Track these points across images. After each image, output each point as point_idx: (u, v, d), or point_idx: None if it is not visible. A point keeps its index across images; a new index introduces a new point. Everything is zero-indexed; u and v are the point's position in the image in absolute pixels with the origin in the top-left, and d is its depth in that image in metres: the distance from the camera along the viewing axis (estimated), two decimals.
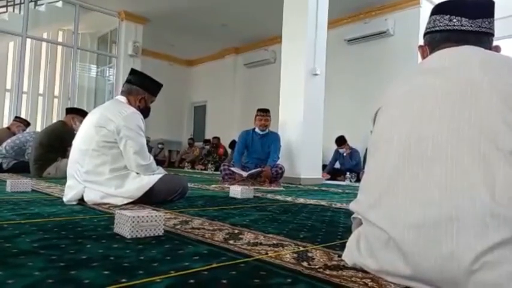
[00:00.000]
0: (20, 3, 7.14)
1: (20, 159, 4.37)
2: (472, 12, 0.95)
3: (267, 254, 1.04)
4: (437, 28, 0.99)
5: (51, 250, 0.99)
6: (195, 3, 6.85)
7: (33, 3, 7.24)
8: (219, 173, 4.52)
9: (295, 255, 1.04)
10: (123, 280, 0.78)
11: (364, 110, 5.94)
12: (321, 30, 4.86)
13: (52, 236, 1.17)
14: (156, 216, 1.24)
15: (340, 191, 3.69)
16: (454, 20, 0.96)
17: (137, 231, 1.19)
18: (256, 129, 4.44)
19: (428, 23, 1.02)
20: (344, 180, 5.33)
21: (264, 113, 4.42)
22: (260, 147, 4.42)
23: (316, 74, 4.77)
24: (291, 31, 4.91)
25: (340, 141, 6.06)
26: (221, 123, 9.47)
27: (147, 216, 1.21)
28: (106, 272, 0.83)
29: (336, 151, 6.23)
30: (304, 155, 4.65)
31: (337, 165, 6.25)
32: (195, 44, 9.10)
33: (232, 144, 7.50)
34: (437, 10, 1.00)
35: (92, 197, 1.92)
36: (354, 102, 6.63)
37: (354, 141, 6.15)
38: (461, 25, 0.95)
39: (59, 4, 7.32)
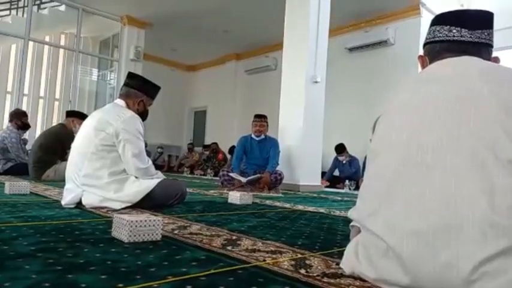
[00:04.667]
0: (24, 7, 7.20)
1: (11, 158, 4.37)
2: (472, 23, 0.95)
3: (264, 260, 1.04)
4: (437, 38, 0.99)
5: (48, 253, 0.99)
6: (197, 9, 6.90)
7: (36, 6, 7.29)
8: (218, 178, 4.51)
9: (293, 262, 1.04)
10: (120, 285, 0.77)
11: (364, 118, 5.96)
12: (322, 38, 4.88)
13: (49, 239, 1.16)
14: (154, 220, 1.23)
15: (339, 198, 3.68)
16: (454, 31, 0.96)
17: (135, 235, 1.19)
18: (252, 135, 4.45)
19: (428, 33, 1.03)
20: (343, 188, 5.31)
21: (259, 118, 4.43)
22: (259, 153, 4.42)
23: (316, 82, 4.78)
24: (292, 38, 4.93)
25: (340, 148, 6.08)
26: (221, 128, 9.48)
27: (145, 221, 1.21)
28: (103, 276, 0.83)
29: (336, 159, 6.24)
30: (303, 162, 4.65)
31: (337, 172, 6.26)
32: (196, 49, 9.15)
33: (232, 149, 7.50)
34: (437, 21, 1.01)
35: (90, 200, 1.92)
36: (354, 110, 6.65)
37: (354, 149, 6.17)
38: (461, 36, 0.95)
39: (62, 8, 7.37)
